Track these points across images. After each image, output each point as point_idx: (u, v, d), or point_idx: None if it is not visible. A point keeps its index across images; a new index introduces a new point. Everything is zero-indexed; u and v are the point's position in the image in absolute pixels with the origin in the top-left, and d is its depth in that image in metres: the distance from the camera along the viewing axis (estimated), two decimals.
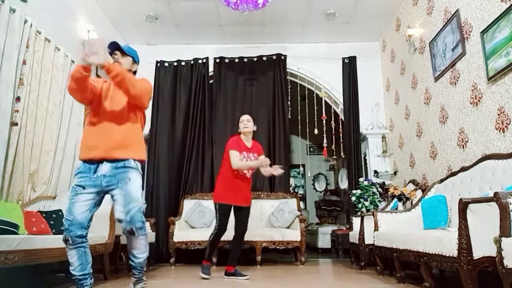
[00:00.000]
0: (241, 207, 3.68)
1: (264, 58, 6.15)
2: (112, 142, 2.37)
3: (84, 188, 2.34)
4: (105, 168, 2.36)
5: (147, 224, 4.89)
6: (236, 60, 6.16)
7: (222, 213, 3.60)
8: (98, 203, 2.41)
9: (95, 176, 2.35)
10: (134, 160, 2.42)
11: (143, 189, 5.88)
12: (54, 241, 2.80)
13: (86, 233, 2.33)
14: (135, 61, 2.65)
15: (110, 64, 2.28)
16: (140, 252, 2.40)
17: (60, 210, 3.51)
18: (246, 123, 3.75)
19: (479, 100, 3.48)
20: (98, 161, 2.37)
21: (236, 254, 3.75)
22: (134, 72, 2.64)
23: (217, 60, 6.15)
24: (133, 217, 2.31)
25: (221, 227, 3.61)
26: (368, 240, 4.04)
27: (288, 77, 6.23)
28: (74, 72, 2.29)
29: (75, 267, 2.31)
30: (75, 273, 2.30)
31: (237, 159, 3.61)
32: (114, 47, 2.56)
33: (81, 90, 2.36)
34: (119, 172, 2.35)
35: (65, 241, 2.29)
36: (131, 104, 2.46)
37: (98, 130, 2.42)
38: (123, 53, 2.58)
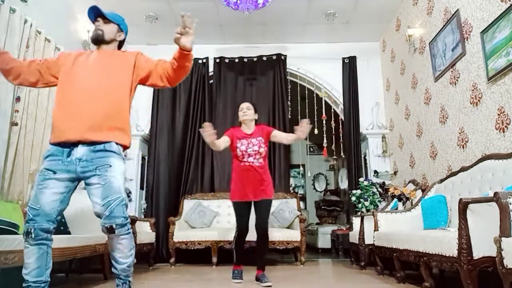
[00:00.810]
0: (256, 202, 3.29)
1: (264, 58, 6.15)
2: (90, 121, 1.98)
3: (55, 172, 1.95)
4: (80, 151, 1.97)
5: (147, 224, 4.93)
6: (236, 60, 6.16)
7: (235, 211, 3.35)
8: (71, 193, 2.03)
9: (69, 160, 1.96)
10: (116, 143, 2.04)
11: (142, 188, 5.89)
12: (54, 241, 2.80)
13: (53, 228, 1.95)
14: (121, 29, 2.31)
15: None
16: (123, 256, 1.98)
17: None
18: (246, 111, 3.43)
19: (479, 100, 3.48)
20: (72, 144, 1.98)
21: (260, 256, 3.40)
22: (121, 42, 2.32)
23: (217, 60, 6.15)
24: (114, 211, 1.92)
25: (238, 226, 3.32)
26: (368, 240, 4.04)
27: (288, 77, 6.23)
28: None
29: (30, 270, 1.87)
30: (29, 278, 1.87)
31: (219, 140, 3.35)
32: (95, 13, 2.25)
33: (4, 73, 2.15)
34: (97, 156, 1.96)
35: (27, 233, 1.88)
36: (130, 77, 2.15)
37: (72, 107, 2.00)
38: (106, 19, 2.26)
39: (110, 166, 1.97)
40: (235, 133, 3.43)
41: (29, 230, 1.88)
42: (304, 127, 3.11)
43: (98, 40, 2.23)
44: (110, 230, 1.92)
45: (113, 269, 2.01)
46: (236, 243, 3.40)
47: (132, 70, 2.18)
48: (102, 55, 2.21)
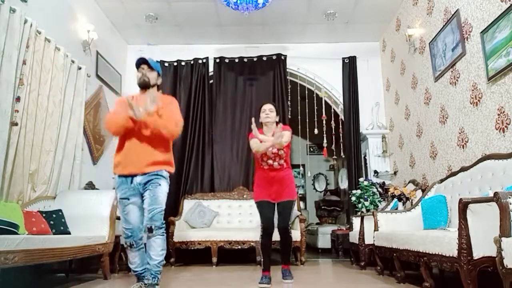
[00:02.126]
0: (279, 202, 3.34)
1: (264, 58, 6.15)
2: (145, 161, 2.64)
3: (128, 199, 2.67)
4: (139, 179, 2.66)
5: None
6: (236, 60, 6.16)
7: (259, 210, 3.35)
8: (143, 203, 2.70)
9: (133, 185, 2.66)
10: (166, 170, 2.74)
11: None
12: (54, 241, 2.80)
13: (143, 233, 2.67)
14: (159, 74, 2.83)
15: (148, 119, 2.59)
16: (155, 253, 2.59)
17: (60, 210, 3.51)
18: (268, 113, 3.40)
19: (479, 100, 3.48)
20: (133, 175, 2.67)
21: (283, 253, 3.47)
22: (158, 85, 2.84)
23: (217, 60, 6.16)
24: (154, 216, 2.59)
25: (262, 223, 3.29)
26: (368, 240, 4.04)
27: (288, 77, 6.23)
28: (122, 121, 2.59)
29: (136, 265, 2.70)
30: (136, 269, 2.70)
31: (255, 144, 3.24)
32: (141, 62, 2.73)
33: (119, 131, 2.69)
34: (151, 178, 2.65)
35: (130, 246, 2.65)
36: None
37: (131, 148, 2.66)
38: (150, 68, 2.74)
39: (160, 185, 2.66)
40: (257, 136, 3.37)
41: (131, 243, 2.67)
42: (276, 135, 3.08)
43: (146, 86, 2.75)
44: (149, 230, 2.57)
45: (147, 265, 2.63)
46: (261, 243, 3.35)
47: None
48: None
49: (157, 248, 2.60)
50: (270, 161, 3.30)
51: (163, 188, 2.68)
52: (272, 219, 3.31)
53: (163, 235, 2.65)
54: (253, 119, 3.25)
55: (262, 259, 3.39)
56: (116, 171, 2.72)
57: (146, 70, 2.73)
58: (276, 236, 3.40)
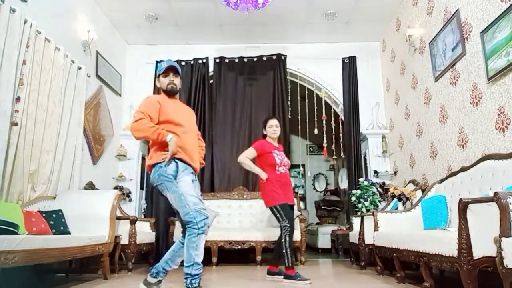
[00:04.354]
0: (292, 204, 3.69)
1: (264, 58, 6.15)
2: (198, 160, 2.78)
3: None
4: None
5: (147, 224, 4.94)
6: (236, 60, 6.16)
7: (284, 212, 3.48)
8: None
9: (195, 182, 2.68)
10: None
11: (142, 188, 5.89)
12: (54, 241, 2.80)
13: None
14: (181, 78, 2.88)
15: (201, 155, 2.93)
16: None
17: (60, 210, 3.51)
18: (275, 129, 3.72)
19: (479, 100, 3.48)
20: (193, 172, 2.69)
21: (280, 253, 3.57)
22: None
23: (217, 60, 6.16)
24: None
25: (288, 224, 3.46)
26: (368, 240, 4.04)
27: (288, 77, 6.24)
28: (151, 137, 2.53)
29: (200, 252, 2.56)
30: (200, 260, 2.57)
31: (246, 154, 3.65)
32: (169, 68, 2.74)
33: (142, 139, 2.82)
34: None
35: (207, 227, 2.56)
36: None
37: (192, 144, 2.72)
38: (177, 74, 2.77)
39: None
40: (267, 145, 3.71)
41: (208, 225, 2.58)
42: None
43: (175, 93, 2.80)
44: (206, 232, 2.58)
45: (173, 266, 2.87)
46: (290, 242, 3.46)
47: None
48: (181, 104, 2.91)
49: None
50: (283, 167, 3.67)
51: None
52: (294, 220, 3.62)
53: None
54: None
55: (290, 257, 3.41)
56: (182, 157, 2.59)
57: (173, 76, 2.74)
58: (273, 236, 3.67)
